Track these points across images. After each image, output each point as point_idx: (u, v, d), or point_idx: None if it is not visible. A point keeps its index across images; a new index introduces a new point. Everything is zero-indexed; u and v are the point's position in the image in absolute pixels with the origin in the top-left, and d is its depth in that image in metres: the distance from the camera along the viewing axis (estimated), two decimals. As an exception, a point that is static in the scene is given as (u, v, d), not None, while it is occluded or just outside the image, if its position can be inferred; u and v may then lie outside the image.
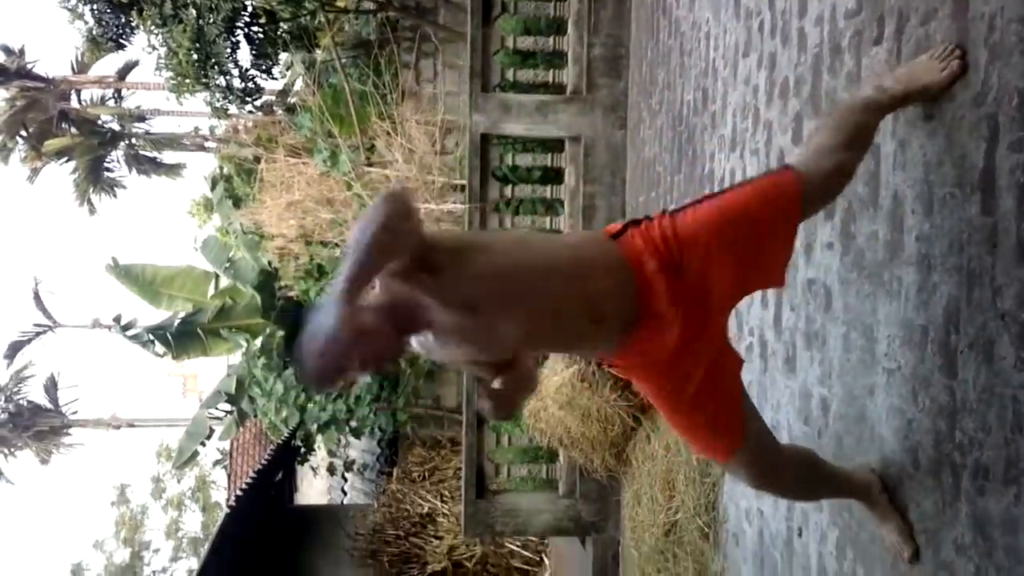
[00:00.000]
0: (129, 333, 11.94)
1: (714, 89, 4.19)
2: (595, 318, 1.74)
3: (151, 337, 11.69)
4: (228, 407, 10.53)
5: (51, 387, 22.36)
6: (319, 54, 11.13)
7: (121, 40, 14.37)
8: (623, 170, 6.15)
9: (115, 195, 19.59)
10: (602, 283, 1.74)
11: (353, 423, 8.93)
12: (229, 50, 10.99)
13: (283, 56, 12.55)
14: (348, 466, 12.27)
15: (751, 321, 3.42)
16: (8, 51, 18.09)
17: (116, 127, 18.84)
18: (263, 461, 10.24)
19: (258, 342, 9.77)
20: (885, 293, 2.21)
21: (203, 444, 11.89)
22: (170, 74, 11.01)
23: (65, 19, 14.44)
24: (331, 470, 12.20)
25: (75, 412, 22.89)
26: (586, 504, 5.92)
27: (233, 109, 11.92)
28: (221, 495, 19.48)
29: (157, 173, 19.79)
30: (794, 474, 2.11)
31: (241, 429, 10.82)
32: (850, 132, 1.93)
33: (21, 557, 48.42)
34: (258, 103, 12.42)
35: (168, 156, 20.01)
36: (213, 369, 40.80)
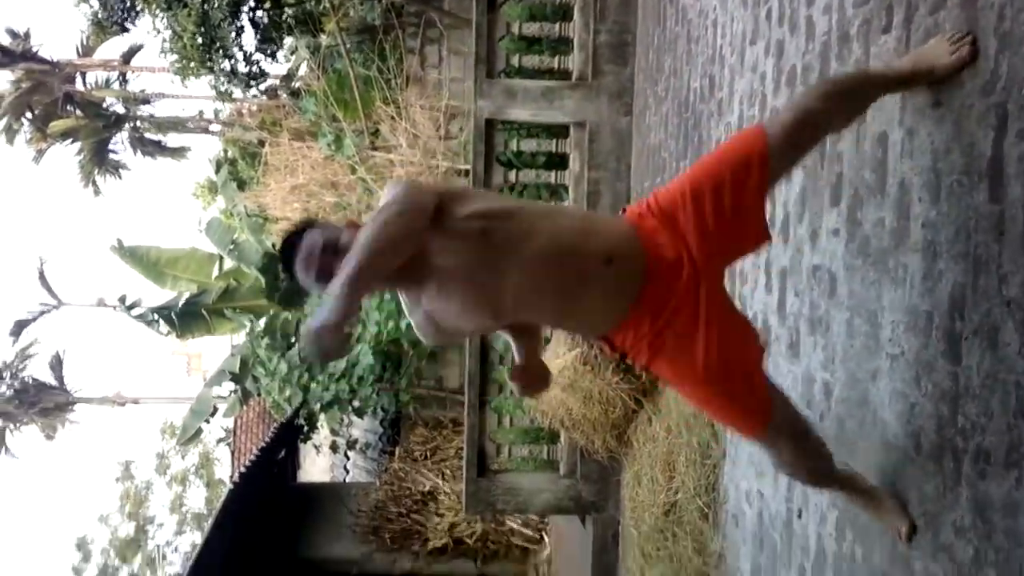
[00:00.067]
0: (134, 312, 12.01)
1: (721, 76, 4.19)
2: (606, 258, 1.82)
3: (156, 316, 11.76)
4: (232, 386, 10.57)
5: (56, 365, 22.51)
6: (324, 39, 11.09)
7: (126, 23, 14.39)
8: (628, 156, 6.14)
9: (120, 176, 19.66)
10: (611, 235, 1.88)
11: (356, 403, 8.98)
12: (234, 34, 10.99)
13: (288, 40, 12.52)
14: (351, 445, 12.35)
15: (755, 306, 3.45)
16: (14, 34, 18.06)
17: (120, 110, 18.82)
18: (266, 439, 10.30)
19: (262, 322, 9.80)
20: (890, 280, 2.23)
21: (207, 422, 11.97)
22: (175, 57, 11.02)
23: (71, 2, 14.41)
24: (334, 448, 12.29)
25: (79, 389, 23.07)
26: (587, 484, 5.95)
27: (237, 93, 11.92)
28: (225, 472, 19.57)
29: (162, 155, 19.79)
30: (826, 453, 2.09)
31: (245, 407, 10.87)
32: (830, 89, 1.97)
33: (26, 530, 48.83)
34: (262, 87, 12.43)
35: (172, 139, 20.02)
36: (217, 348, 41.08)
